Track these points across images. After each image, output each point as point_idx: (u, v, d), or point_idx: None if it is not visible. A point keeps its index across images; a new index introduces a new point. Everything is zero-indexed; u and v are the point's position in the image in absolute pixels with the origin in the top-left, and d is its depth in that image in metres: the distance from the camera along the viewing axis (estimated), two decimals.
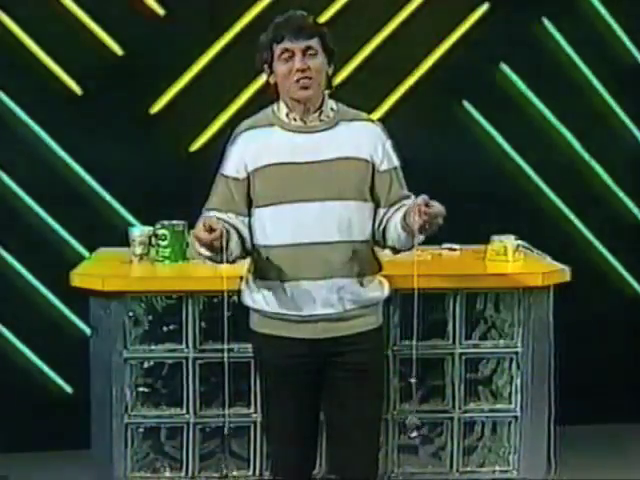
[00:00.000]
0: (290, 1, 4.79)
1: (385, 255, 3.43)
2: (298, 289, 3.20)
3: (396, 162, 3.30)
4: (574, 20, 5.12)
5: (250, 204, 3.25)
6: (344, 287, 3.21)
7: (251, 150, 3.23)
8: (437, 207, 3.03)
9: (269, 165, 3.21)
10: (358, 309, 3.25)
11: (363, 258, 3.26)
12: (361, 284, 3.25)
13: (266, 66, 3.25)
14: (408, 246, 3.23)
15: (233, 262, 3.21)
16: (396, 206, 3.25)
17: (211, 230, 3.06)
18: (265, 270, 3.25)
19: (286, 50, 3.18)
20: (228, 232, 3.11)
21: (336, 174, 3.21)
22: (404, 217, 3.14)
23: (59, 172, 4.87)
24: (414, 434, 3.32)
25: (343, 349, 3.24)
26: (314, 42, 3.20)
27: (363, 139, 3.27)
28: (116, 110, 4.82)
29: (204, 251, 3.13)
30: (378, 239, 3.29)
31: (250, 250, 3.26)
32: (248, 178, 3.24)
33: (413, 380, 3.23)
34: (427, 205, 3.01)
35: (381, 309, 3.36)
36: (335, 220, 3.20)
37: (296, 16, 3.24)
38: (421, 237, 3.12)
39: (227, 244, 3.09)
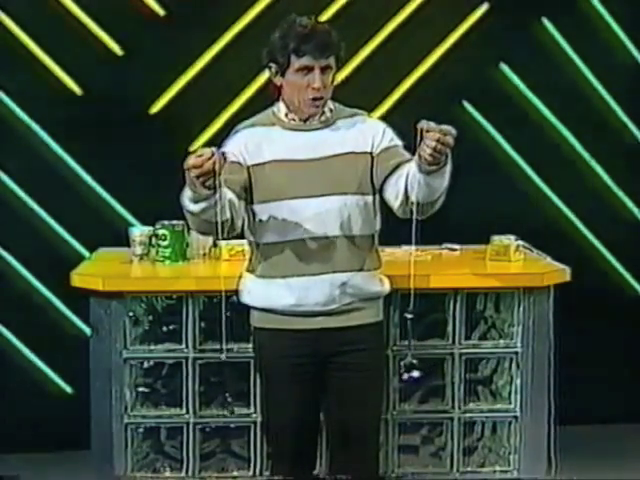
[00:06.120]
0: (291, 1, 4.82)
1: (385, 255, 3.43)
2: (300, 285, 3.21)
3: (398, 142, 3.28)
4: (574, 20, 5.12)
5: (246, 198, 3.23)
6: (346, 282, 3.23)
7: (250, 146, 3.24)
8: (442, 126, 2.93)
9: (269, 162, 3.22)
10: (358, 302, 3.27)
11: (364, 253, 3.27)
12: (362, 278, 3.26)
13: (275, 67, 3.22)
14: (429, 194, 3.08)
15: (223, 227, 3.07)
16: (406, 165, 3.15)
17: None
18: (267, 267, 3.25)
19: (306, 67, 3.17)
20: (225, 158, 2.96)
21: (336, 170, 3.22)
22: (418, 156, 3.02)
23: (59, 172, 4.87)
24: (406, 376, 3.22)
25: (343, 348, 3.25)
26: (332, 60, 3.19)
27: (362, 133, 3.28)
28: (116, 110, 4.82)
29: (198, 187, 2.96)
30: (402, 203, 3.16)
31: (239, 230, 3.22)
32: (248, 170, 3.23)
33: (409, 316, 3.16)
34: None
35: (382, 305, 3.37)
36: (336, 215, 3.21)
37: (321, 32, 3.18)
38: (444, 160, 2.99)
39: (219, 173, 2.93)
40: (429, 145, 2.93)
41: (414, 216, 3.09)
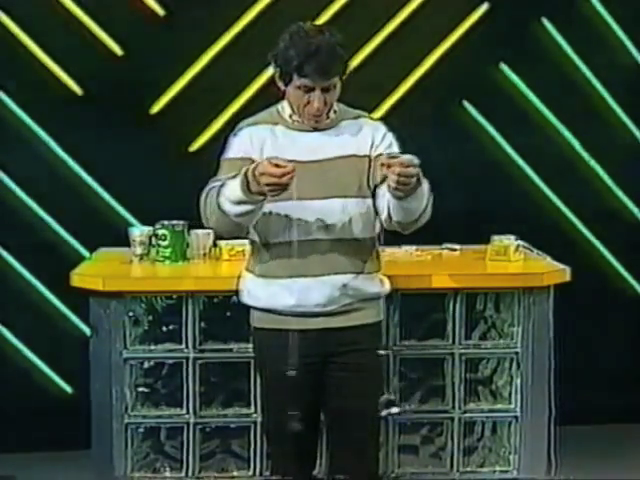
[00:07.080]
0: (290, 1, 4.82)
1: (386, 255, 3.43)
2: (301, 286, 3.21)
3: (396, 149, 3.27)
4: (574, 20, 5.12)
5: None
6: (347, 284, 3.23)
7: (255, 144, 3.23)
8: (402, 157, 2.97)
9: None
10: (358, 302, 3.27)
11: (365, 256, 3.27)
12: (363, 280, 3.26)
13: (279, 72, 3.19)
14: (407, 215, 3.14)
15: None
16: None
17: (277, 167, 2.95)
18: (267, 267, 3.25)
19: (306, 85, 3.14)
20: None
21: (338, 172, 3.21)
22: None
23: (59, 172, 4.87)
24: (384, 412, 3.27)
25: (344, 349, 3.25)
26: (336, 78, 3.17)
27: (364, 136, 3.27)
28: (116, 110, 4.82)
29: (255, 193, 2.98)
30: (386, 219, 3.20)
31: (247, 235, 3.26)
32: None
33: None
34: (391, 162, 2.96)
35: (382, 305, 3.37)
36: (337, 218, 3.20)
37: (326, 49, 3.11)
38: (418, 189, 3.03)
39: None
40: (392, 179, 2.97)
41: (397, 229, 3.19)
